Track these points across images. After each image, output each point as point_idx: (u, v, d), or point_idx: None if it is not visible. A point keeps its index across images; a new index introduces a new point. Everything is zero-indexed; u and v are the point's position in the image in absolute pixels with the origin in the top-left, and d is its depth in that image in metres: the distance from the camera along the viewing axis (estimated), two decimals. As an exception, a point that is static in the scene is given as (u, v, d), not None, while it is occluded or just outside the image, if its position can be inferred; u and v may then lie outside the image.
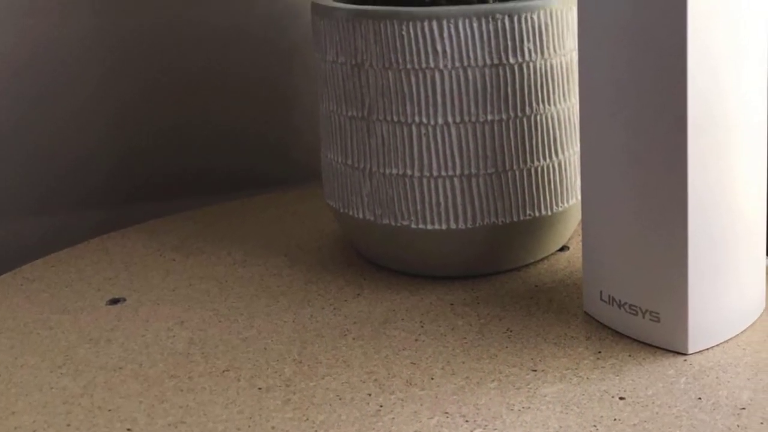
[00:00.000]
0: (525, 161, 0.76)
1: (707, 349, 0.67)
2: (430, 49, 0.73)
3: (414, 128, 0.75)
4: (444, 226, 0.77)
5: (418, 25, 0.73)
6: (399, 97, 0.75)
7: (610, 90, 0.65)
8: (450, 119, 0.75)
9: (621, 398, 0.62)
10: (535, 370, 0.66)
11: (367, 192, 0.79)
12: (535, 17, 0.74)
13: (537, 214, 0.78)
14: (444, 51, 0.73)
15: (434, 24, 0.73)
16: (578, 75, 0.69)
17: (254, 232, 0.94)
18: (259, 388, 0.65)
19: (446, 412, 0.61)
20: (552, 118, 0.77)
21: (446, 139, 0.75)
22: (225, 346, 0.72)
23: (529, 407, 0.61)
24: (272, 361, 0.69)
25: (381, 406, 0.62)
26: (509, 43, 0.74)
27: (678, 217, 0.63)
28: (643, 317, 0.67)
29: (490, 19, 0.73)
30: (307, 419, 0.61)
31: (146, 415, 0.63)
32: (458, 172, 0.76)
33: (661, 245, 0.65)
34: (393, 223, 0.78)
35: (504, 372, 0.66)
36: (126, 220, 1.01)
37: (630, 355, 0.67)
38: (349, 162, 0.80)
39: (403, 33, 0.73)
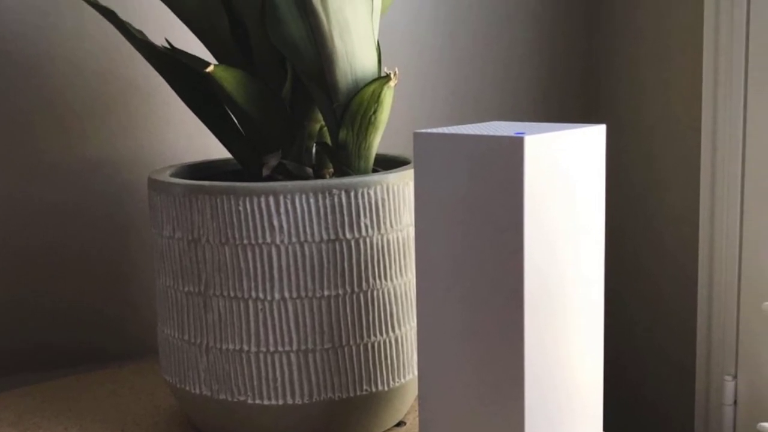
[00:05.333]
0: (362, 337, 0.76)
1: None
2: (266, 225, 0.73)
3: (251, 303, 0.75)
4: (281, 402, 0.76)
5: (255, 200, 0.73)
6: (236, 272, 0.75)
7: (446, 265, 0.66)
8: (287, 294, 0.74)
9: None
10: None
11: (203, 367, 0.78)
12: (371, 192, 0.75)
13: (374, 389, 0.78)
14: (280, 226, 0.73)
15: (271, 199, 0.73)
16: (415, 250, 0.69)
17: (91, 407, 0.92)
18: None
19: None
20: (389, 294, 0.77)
21: (283, 315, 0.75)
22: None
23: None
24: None
25: None
26: (346, 218, 0.74)
27: (514, 391, 0.63)
28: (480, 493, 0.67)
29: (327, 195, 0.74)
30: None
31: None
32: (295, 347, 0.75)
33: (498, 420, 0.65)
34: (230, 398, 0.77)
35: None
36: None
37: None
38: (186, 337, 0.79)
39: (240, 208, 0.73)
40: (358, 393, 0.77)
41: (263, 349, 0.76)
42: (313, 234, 0.74)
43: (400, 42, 1.21)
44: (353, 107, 0.76)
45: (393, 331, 0.78)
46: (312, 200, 0.74)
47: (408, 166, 0.81)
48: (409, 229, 0.79)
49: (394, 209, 0.77)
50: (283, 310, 0.75)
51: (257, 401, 0.77)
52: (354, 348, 0.76)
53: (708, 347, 1.13)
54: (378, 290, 0.77)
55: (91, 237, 1.09)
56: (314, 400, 0.76)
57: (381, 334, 0.77)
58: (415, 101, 1.23)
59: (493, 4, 1.27)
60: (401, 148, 1.19)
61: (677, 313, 1.22)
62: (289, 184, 0.74)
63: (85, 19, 1.04)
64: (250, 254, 0.74)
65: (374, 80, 0.74)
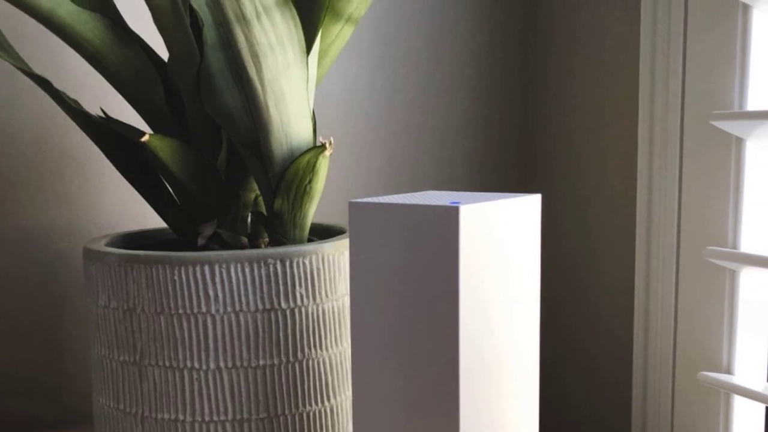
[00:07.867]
0: (297, 406, 0.76)
1: None
2: (202, 294, 0.73)
3: (186, 373, 0.74)
4: (216, 473, 0.76)
5: (190, 269, 0.73)
6: (171, 341, 0.74)
7: (382, 334, 0.66)
8: (222, 364, 0.74)
9: None
10: None
11: (138, 438, 0.77)
12: (307, 262, 0.75)
13: (310, 459, 0.77)
14: (216, 296, 0.73)
15: (206, 269, 0.73)
16: (350, 319, 0.69)
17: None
18: None
19: None
20: (324, 363, 0.77)
21: (218, 384, 0.74)
22: None
23: None
24: None
25: None
26: (281, 287, 0.74)
27: (448, 460, 0.63)
28: None
29: (262, 264, 0.74)
30: None
31: None
32: (230, 416, 0.75)
33: (432, 489, 0.65)
34: (164, 470, 0.77)
35: None
36: None
37: None
38: (121, 407, 0.78)
39: (176, 278, 0.73)
40: (294, 463, 0.77)
41: (198, 418, 0.75)
42: (248, 303, 0.74)
43: (335, 111, 1.22)
44: (288, 176, 0.76)
45: (328, 400, 0.78)
46: (247, 269, 0.74)
47: (343, 235, 0.82)
48: (344, 298, 0.79)
49: (330, 279, 0.77)
50: (218, 380, 0.74)
51: (191, 472, 0.76)
52: (289, 417, 0.76)
53: (643, 417, 1.14)
54: (313, 360, 0.76)
55: (26, 306, 1.08)
56: (249, 470, 0.76)
57: (316, 404, 0.77)
58: (350, 170, 1.23)
59: (429, 73, 1.28)
60: (337, 217, 1.19)
61: (613, 383, 1.23)
62: (225, 253, 0.74)
63: (19, 88, 1.04)
64: (185, 324, 0.74)
65: (309, 150, 0.75)
